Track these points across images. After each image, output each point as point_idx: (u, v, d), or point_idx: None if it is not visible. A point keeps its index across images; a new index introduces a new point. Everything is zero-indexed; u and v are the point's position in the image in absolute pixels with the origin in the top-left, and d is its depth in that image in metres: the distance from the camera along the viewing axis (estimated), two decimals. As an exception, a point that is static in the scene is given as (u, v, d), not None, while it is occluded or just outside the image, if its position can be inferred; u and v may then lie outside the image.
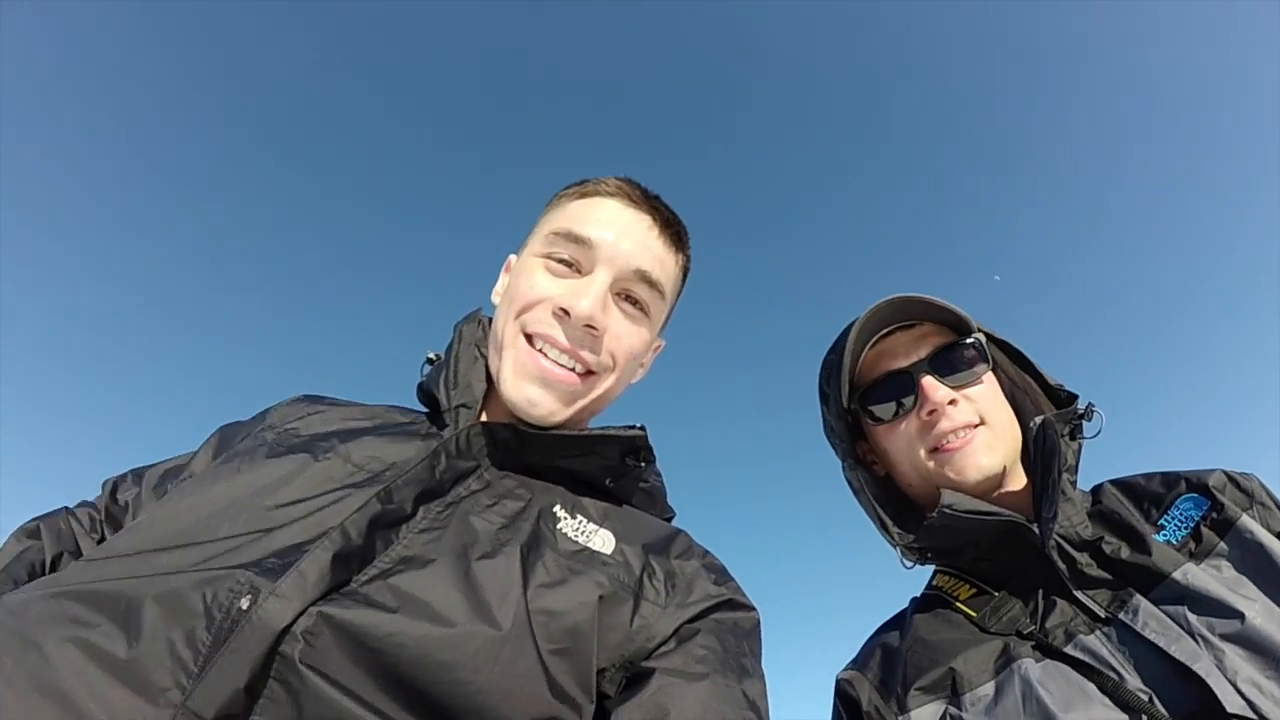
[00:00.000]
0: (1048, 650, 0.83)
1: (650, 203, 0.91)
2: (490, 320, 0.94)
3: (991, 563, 0.96)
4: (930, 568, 1.07)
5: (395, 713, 0.57)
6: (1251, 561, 0.83)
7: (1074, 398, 0.99)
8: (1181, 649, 0.77)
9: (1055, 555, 0.88)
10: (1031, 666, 0.81)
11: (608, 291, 0.83)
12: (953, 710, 0.82)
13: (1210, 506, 0.88)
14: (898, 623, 1.01)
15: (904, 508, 1.05)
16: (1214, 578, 0.82)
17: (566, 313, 0.80)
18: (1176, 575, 0.82)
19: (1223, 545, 0.85)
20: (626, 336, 0.85)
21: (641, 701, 0.64)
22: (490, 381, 0.89)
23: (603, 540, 0.76)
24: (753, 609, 0.80)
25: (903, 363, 0.99)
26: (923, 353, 0.99)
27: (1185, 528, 0.88)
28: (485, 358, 0.91)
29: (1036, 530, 0.89)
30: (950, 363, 0.98)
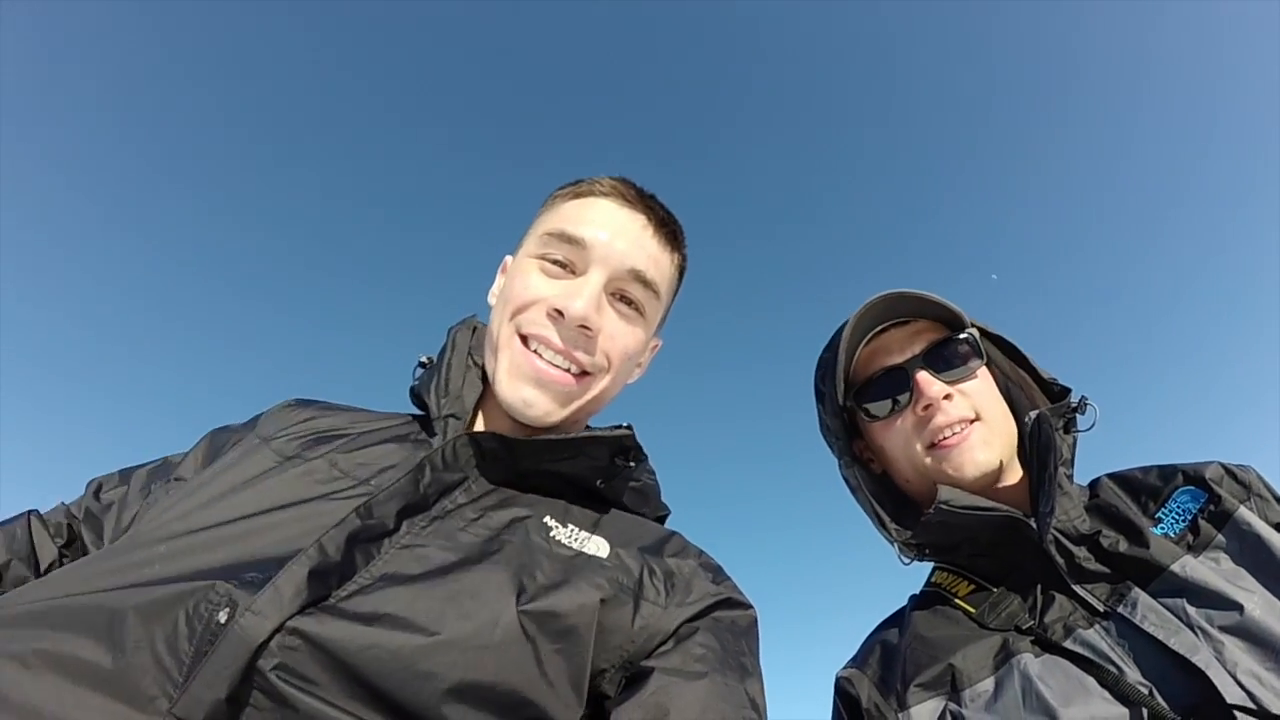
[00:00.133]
0: (1047, 645, 0.83)
1: (645, 202, 0.90)
2: (484, 326, 0.93)
3: (989, 558, 0.96)
4: (927, 565, 1.07)
5: None
6: (1249, 554, 0.82)
7: (1067, 391, 0.99)
8: (1181, 642, 0.77)
9: (1053, 550, 0.88)
10: (1031, 661, 0.81)
11: (602, 292, 0.83)
12: (953, 706, 0.82)
13: (1208, 499, 0.88)
14: (897, 620, 1.01)
15: (901, 505, 1.05)
16: (1212, 570, 0.82)
17: (561, 314, 0.80)
18: (1175, 568, 0.82)
19: (1220, 537, 0.85)
20: (621, 337, 0.85)
21: (641, 701, 0.63)
22: (485, 384, 0.89)
23: (597, 546, 0.76)
24: (750, 607, 0.79)
25: (897, 359, 0.99)
26: (917, 349, 0.99)
27: (1183, 520, 0.88)
28: (479, 365, 0.91)
29: (1034, 525, 0.89)
30: (945, 358, 0.98)
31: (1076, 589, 0.86)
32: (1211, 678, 0.72)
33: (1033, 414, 0.93)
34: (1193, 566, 0.82)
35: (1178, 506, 0.90)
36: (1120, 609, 0.82)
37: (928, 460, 0.96)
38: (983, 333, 1.02)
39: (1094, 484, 0.99)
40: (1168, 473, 0.93)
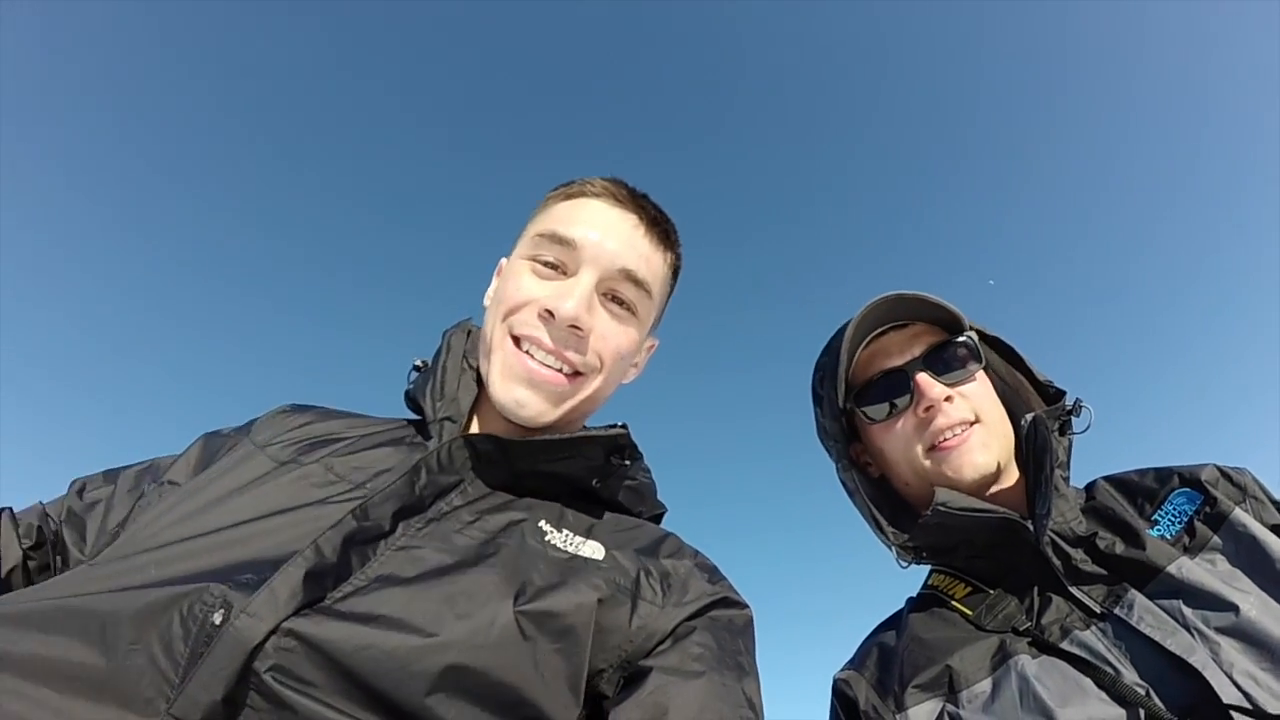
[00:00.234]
0: (1044, 646, 0.83)
1: (636, 201, 0.90)
2: (479, 329, 0.93)
3: (986, 560, 0.96)
4: (924, 568, 1.07)
5: None
6: (1245, 555, 0.83)
7: (1063, 394, 1.00)
8: (1177, 642, 0.77)
9: (1050, 551, 0.88)
10: (1028, 662, 0.81)
11: (593, 292, 0.83)
12: (950, 708, 0.82)
13: (1203, 501, 0.88)
14: (894, 623, 1.01)
15: (898, 508, 1.05)
16: (1208, 571, 0.82)
17: (551, 314, 0.81)
18: (1171, 569, 0.82)
19: (1216, 539, 0.85)
20: (613, 337, 0.85)
21: (640, 700, 0.64)
22: (481, 387, 0.89)
23: (592, 549, 0.76)
24: (746, 606, 0.80)
25: (897, 361, 1.00)
26: (916, 351, 1.00)
27: (1179, 522, 0.89)
28: (474, 368, 0.91)
29: (1031, 527, 0.89)
30: (944, 361, 0.98)
31: (1073, 591, 0.86)
32: (1208, 678, 0.73)
33: (1029, 416, 0.94)
34: (1189, 568, 0.82)
35: (1174, 509, 0.90)
36: (1117, 610, 0.82)
37: (927, 462, 0.96)
38: (980, 335, 1.02)
39: (1090, 486, 1.00)
40: (1163, 475, 0.93)
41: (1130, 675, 0.77)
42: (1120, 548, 0.86)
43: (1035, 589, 0.89)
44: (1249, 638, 0.76)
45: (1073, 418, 0.97)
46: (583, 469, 0.83)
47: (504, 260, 0.97)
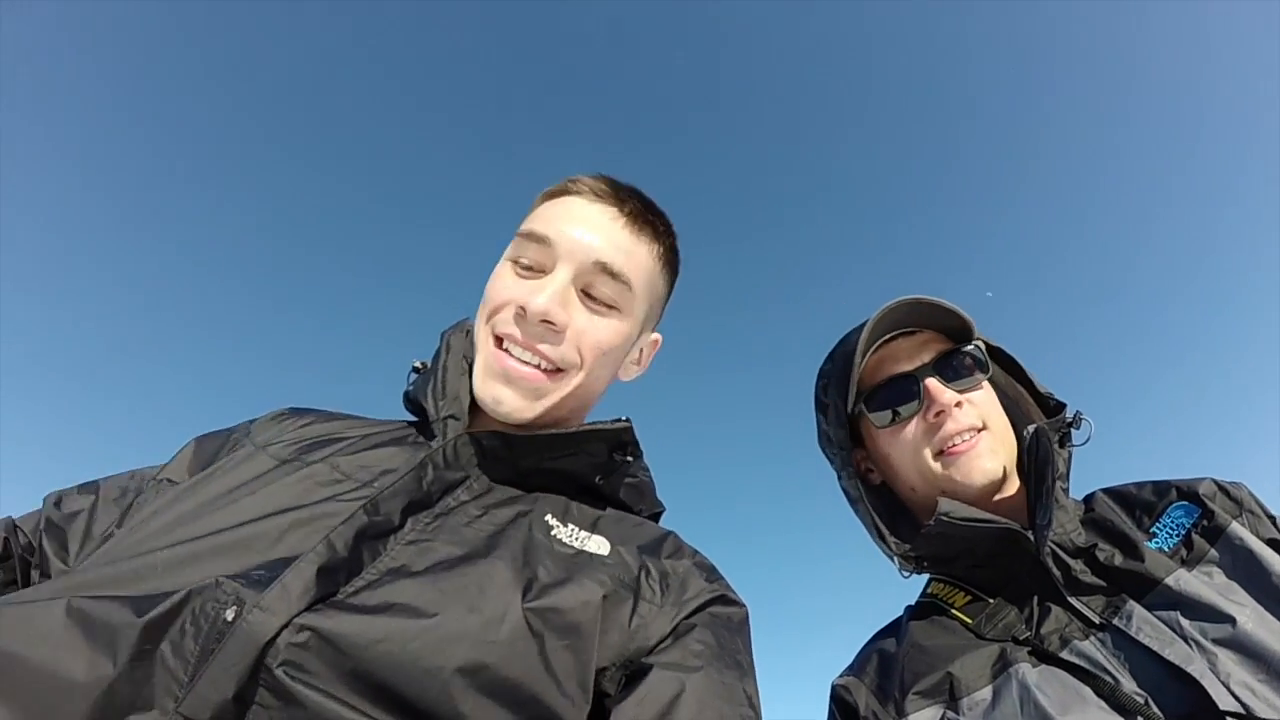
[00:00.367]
0: (1044, 655, 0.84)
1: (618, 195, 0.89)
2: None
3: (987, 570, 0.97)
4: (921, 577, 1.08)
5: (388, 718, 0.57)
6: (1241, 568, 0.84)
7: (1063, 406, 1.01)
8: (1175, 652, 0.78)
9: (1050, 562, 0.89)
10: (1029, 671, 0.82)
11: (568, 287, 0.83)
12: (950, 714, 0.83)
13: (1201, 514, 0.90)
14: (893, 630, 1.02)
15: (897, 516, 1.06)
16: (1205, 584, 0.83)
17: (525, 311, 0.81)
18: (1169, 581, 0.84)
19: (1214, 552, 0.86)
20: (593, 332, 0.84)
21: (641, 698, 0.64)
22: None
23: (598, 544, 0.77)
24: (743, 605, 0.80)
25: (906, 367, 1.01)
26: (926, 358, 1.01)
27: (1177, 535, 0.90)
28: (471, 367, 0.91)
29: (1031, 537, 0.90)
30: (953, 368, 1.00)
31: (1072, 601, 0.87)
32: (1206, 686, 0.74)
33: (1031, 428, 0.95)
34: (1186, 580, 0.84)
35: (1172, 521, 0.91)
36: (1115, 621, 0.83)
37: (936, 466, 0.97)
38: (985, 345, 1.04)
39: (1089, 498, 1.01)
40: (1162, 488, 0.95)
41: (1129, 684, 0.78)
42: (1119, 559, 0.87)
43: (1035, 599, 0.90)
44: (1245, 649, 0.77)
45: (1073, 430, 0.98)
46: (586, 465, 0.84)
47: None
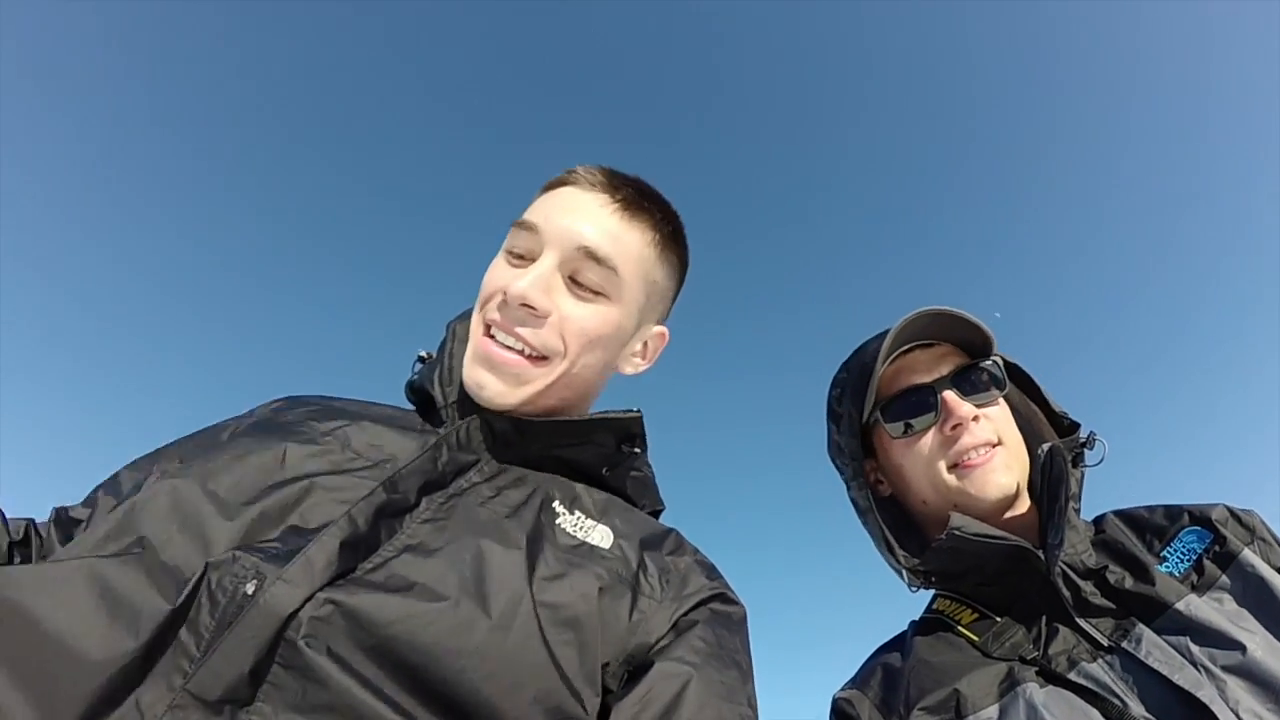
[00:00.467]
0: (1051, 676, 0.83)
1: (611, 183, 0.88)
2: None
3: (995, 588, 0.96)
4: (924, 593, 1.08)
5: (402, 699, 0.57)
6: (1253, 595, 0.84)
7: (1077, 426, 1.01)
8: (1185, 677, 0.78)
9: (1060, 582, 0.89)
10: (1036, 691, 0.81)
11: (553, 273, 0.82)
12: (956, 732, 0.82)
13: (1213, 540, 0.89)
14: (898, 644, 1.01)
15: (904, 531, 1.06)
16: (1216, 610, 0.83)
17: (507, 296, 0.81)
18: (1179, 606, 0.84)
19: (1225, 578, 0.86)
20: (578, 319, 0.82)
21: (642, 697, 0.64)
22: None
23: (601, 535, 0.77)
24: (742, 605, 0.80)
25: (924, 378, 1.01)
26: (944, 370, 1.01)
27: (1188, 560, 0.90)
28: None
29: (1042, 556, 0.90)
30: (971, 382, 1.00)
31: (1081, 622, 0.87)
32: (1215, 712, 0.74)
33: (1045, 446, 0.95)
34: (1197, 605, 0.83)
35: (1183, 546, 0.91)
36: (1125, 644, 0.83)
37: (950, 479, 0.97)
38: (1003, 362, 1.04)
39: (1099, 520, 1.01)
40: (1174, 513, 0.95)
41: (1137, 708, 0.78)
42: (1129, 582, 0.87)
43: (1043, 619, 0.89)
44: (1254, 677, 0.77)
45: (1086, 450, 0.98)
46: (593, 455, 0.84)
47: None
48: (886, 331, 1.02)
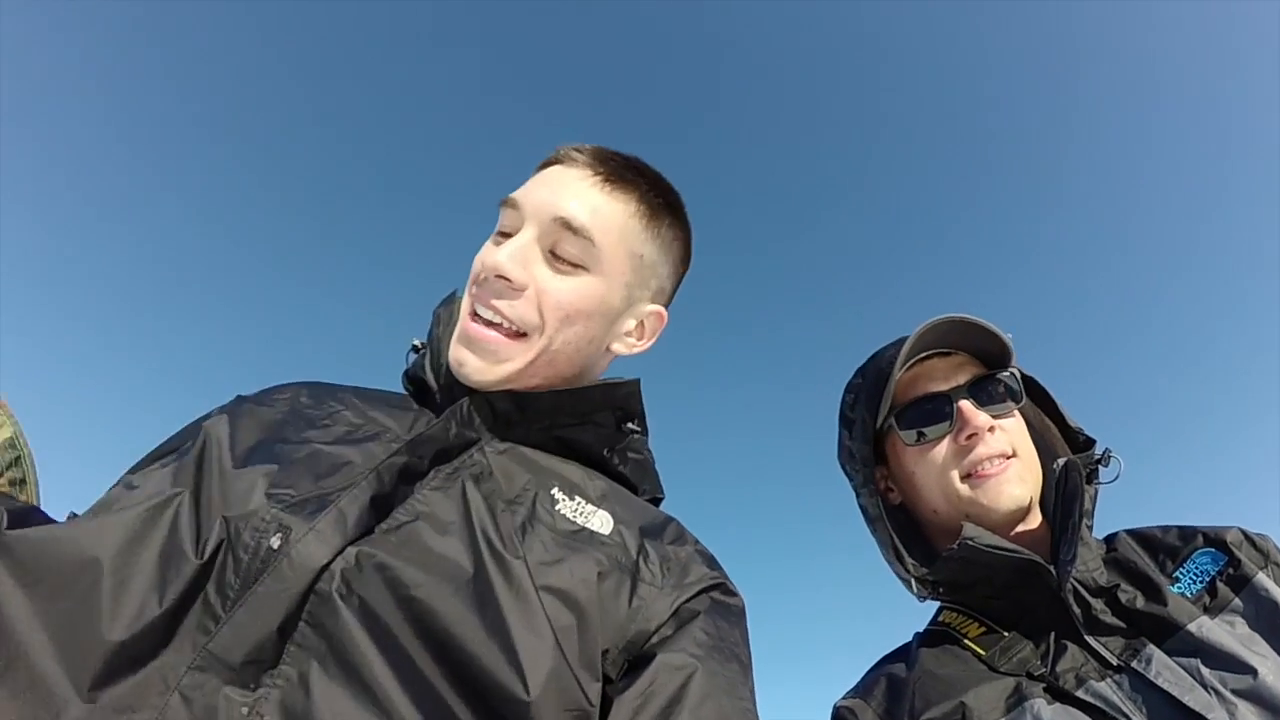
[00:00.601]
0: (1058, 693, 0.83)
1: (597, 157, 0.87)
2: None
3: (1003, 601, 0.95)
4: (925, 606, 1.07)
5: (418, 665, 0.57)
6: (1265, 619, 0.84)
7: (1092, 442, 1.01)
8: (1196, 699, 0.77)
9: (1071, 599, 0.88)
10: (1044, 707, 0.81)
11: (532, 246, 0.81)
12: (962, 745, 0.81)
13: (1227, 562, 0.89)
14: (902, 655, 1.00)
15: (911, 540, 1.05)
16: (1228, 633, 0.83)
17: (484, 268, 0.81)
18: (1191, 628, 0.83)
19: (1238, 601, 0.86)
20: (553, 291, 0.80)
21: (642, 689, 0.63)
22: None
23: (601, 521, 0.76)
24: (741, 596, 0.80)
25: (941, 386, 1.00)
26: (961, 379, 1.00)
27: (1201, 581, 0.89)
28: None
29: (1054, 572, 0.89)
30: (987, 393, 0.99)
31: (1090, 640, 0.86)
32: None
33: (1061, 461, 0.94)
34: (1209, 627, 0.83)
35: (1196, 567, 0.91)
36: (1134, 664, 0.82)
37: (963, 489, 0.96)
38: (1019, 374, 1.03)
39: (1111, 538, 1.00)
40: (1187, 534, 0.94)
41: None
42: (1141, 602, 0.87)
43: (1052, 635, 0.89)
44: (1265, 702, 0.76)
45: (1100, 467, 0.97)
46: (594, 437, 0.85)
47: None
48: (903, 338, 1.02)
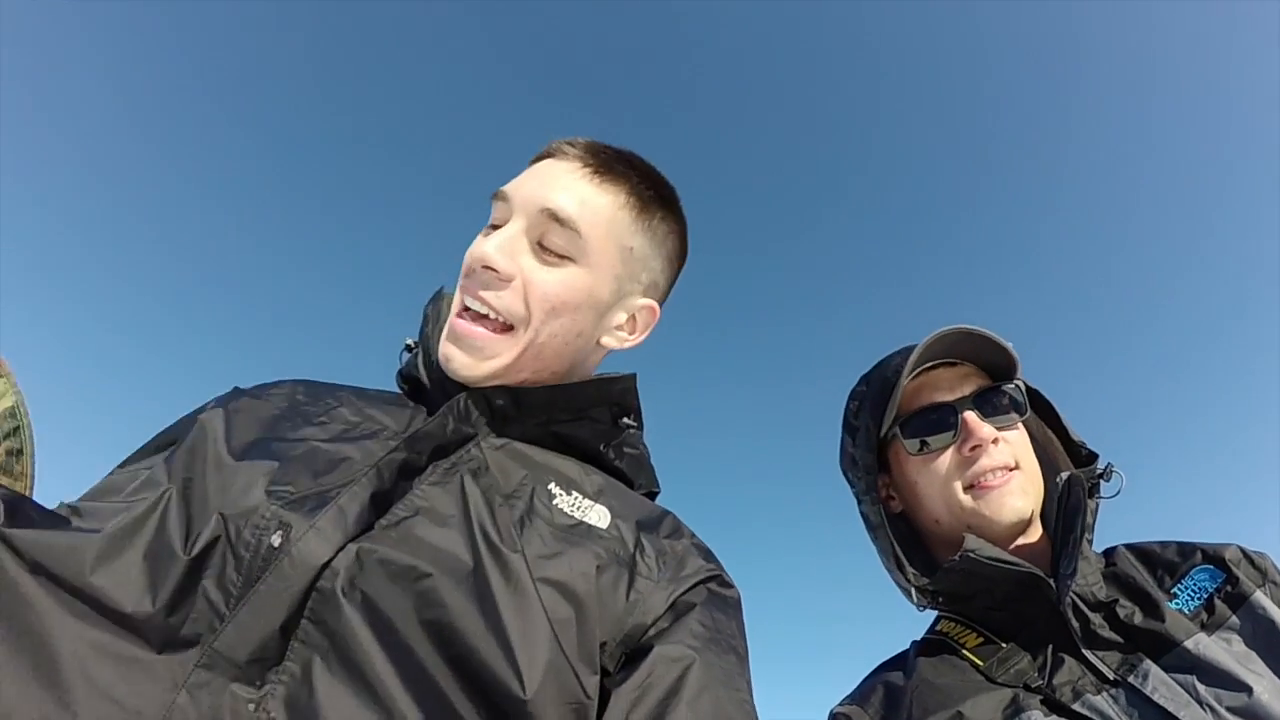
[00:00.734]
0: (1055, 706, 0.83)
1: (589, 151, 0.86)
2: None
3: (1002, 613, 0.96)
4: (922, 615, 1.07)
5: (419, 659, 0.56)
6: (1262, 637, 0.84)
7: (1094, 456, 1.01)
8: (1191, 715, 0.78)
9: (1069, 613, 0.89)
10: (1040, 719, 0.81)
11: (519, 237, 0.80)
12: (959, 755, 0.82)
13: (1225, 580, 0.90)
14: (899, 663, 1.01)
15: (913, 548, 1.05)
16: (1224, 650, 0.83)
17: (471, 260, 0.81)
18: (1188, 644, 0.84)
19: (1235, 619, 0.86)
20: (539, 282, 0.80)
21: (640, 682, 0.63)
22: None
23: (598, 515, 0.76)
24: (737, 588, 0.80)
25: (946, 397, 1.01)
26: (966, 390, 1.01)
27: (1199, 598, 0.90)
28: None
29: (1054, 585, 0.90)
30: (992, 404, 1.00)
31: (1087, 654, 0.87)
32: None
33: (1063, 475, 0.95)
34: (1206, 644, 0.84)
35: (1194, 584, 0.91)
36: (1131, 679, 0.83)
37: (965, 500, 0.97)
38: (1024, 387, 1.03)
39: (1109, 553, 1.01)
40: (1186, 550, 0.95)
41: None
42: (1139, 618, 0.87)
43: (1049, 648, 0.89)
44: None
45: (1103, 481, 0.98)
46: (591, 433, 0.85)
47: None
48: (910, 347, 1.02)
